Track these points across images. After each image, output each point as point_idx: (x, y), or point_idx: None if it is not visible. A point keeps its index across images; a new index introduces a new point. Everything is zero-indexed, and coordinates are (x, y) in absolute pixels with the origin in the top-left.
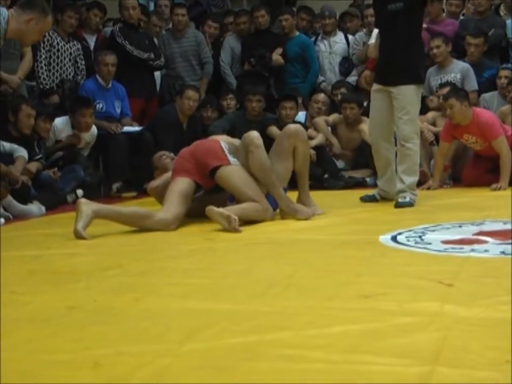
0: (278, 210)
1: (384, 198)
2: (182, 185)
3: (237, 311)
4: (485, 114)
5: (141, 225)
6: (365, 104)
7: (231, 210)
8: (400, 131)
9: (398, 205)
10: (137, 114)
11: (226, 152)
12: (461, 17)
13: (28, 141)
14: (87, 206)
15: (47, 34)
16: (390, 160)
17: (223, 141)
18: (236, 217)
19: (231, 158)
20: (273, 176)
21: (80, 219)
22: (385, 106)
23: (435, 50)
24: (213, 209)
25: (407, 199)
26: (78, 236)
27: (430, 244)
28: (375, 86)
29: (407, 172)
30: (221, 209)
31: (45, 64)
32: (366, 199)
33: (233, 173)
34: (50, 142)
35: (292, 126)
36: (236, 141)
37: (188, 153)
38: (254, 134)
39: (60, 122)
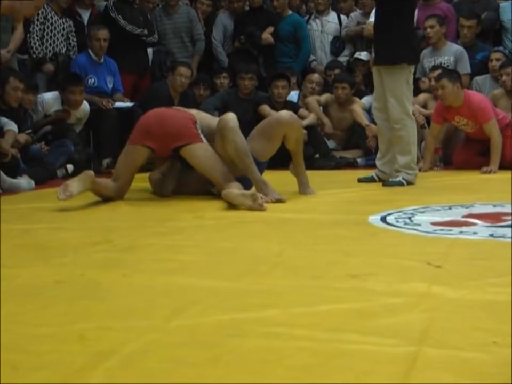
0: None
1: (382, 180)
2: (137, 157)
3: (224, 288)
4: (477, 97)
5: (102, 195)
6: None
7: (248, 191)
8: (389, 113)
9: (386, 184)
10: (129, 89)
11: (199, 130)
12: (454, 0)
13: (16, 114)
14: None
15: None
16: (391, 141)
17: (201, 119)
18: (261, 194)
19: (202, 136)
20: (249, 159)
21: (76, 181)
22: (383, 87)
23: (429, 30)
24: (231, 193)
25: (398, 179)
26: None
27: (419, 225)
28: (374, 67)
29: (401, 152)
30: (241, 190)
31: (37, 35)
32: (363, 180)
33: (202, 152)
34: (39, 115)
35: (285, 115)
36: (215, 123)
37: (159, 118)
38: (229, 117)
39: (50, 97)
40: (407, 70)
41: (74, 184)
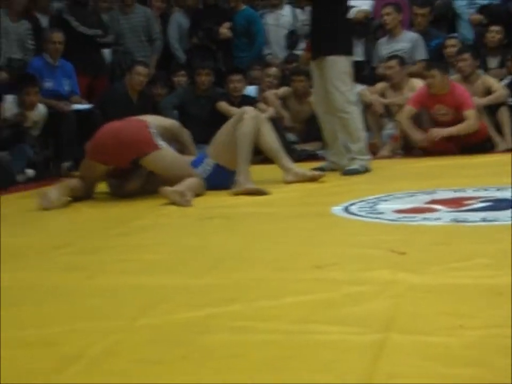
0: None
1: (334, 170)
2: (96, 172)
3: (190, 285)
4: (460, 87)
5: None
6: None
7: (180, 187)
8: (332, 103)
9: (346, 172)
10: (85, 91)
11: (154, 136)
12: None
13: None
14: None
15: None
16: (336, 132)
17: (152, 122)
18: (189, 192)
19: (158, 141)
20: (250, 151)
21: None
22: (321, 80)
23: (386, 17)
24: (165, 189)
25: (355, 166)
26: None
27: (382, 213)
28: (312, 61)
29: (351, 140)
30: (173, 187)
31: None
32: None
33: (161, 157)
34: None
35: (237, 111)
36: (168, 123)
37: (112, 133)
38: (251, 108)
39: (7, 100)
40: (344, 60)
41: (53, 192)
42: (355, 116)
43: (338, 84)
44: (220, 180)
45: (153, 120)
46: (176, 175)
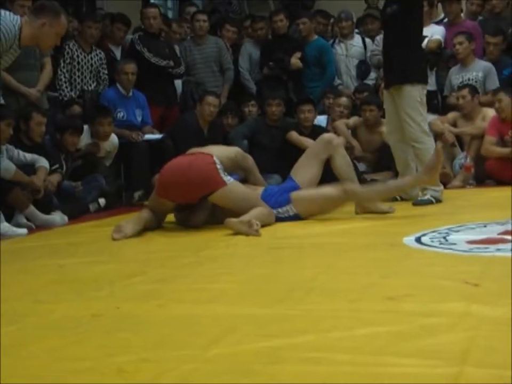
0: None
1: (404, 199)
2: (164, 207)
3: (261, 315)
4: None
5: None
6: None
7: (246, 217)
8: (406, 133)
9: (417, 203)
10: (158, 121)
11: (221, 172)
12: (480, 18)
13: (41, 149)
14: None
15: (67, 47)
16: (408, 161)
17: (218, 156)
18: (257, 222)
19: (225, 178)
20: (352, 171)
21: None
22: (394, 109)
23: (457, 47)
24: (231, 221)
25: (426, 197)
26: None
27: (454, 244)
28: (384, 90)
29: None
30: (239, 218)
31: (65, 77)
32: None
33: (229, 193)
34: None
35: (325, 135)
36: (232, 152)
37: (180, 171)
38: (332, 135)
39: None
40: (419, 89)
41: (129, 226)
42: (429, 146)
43: (412, 113)
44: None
45: (217, 153)
46: (245, 208)
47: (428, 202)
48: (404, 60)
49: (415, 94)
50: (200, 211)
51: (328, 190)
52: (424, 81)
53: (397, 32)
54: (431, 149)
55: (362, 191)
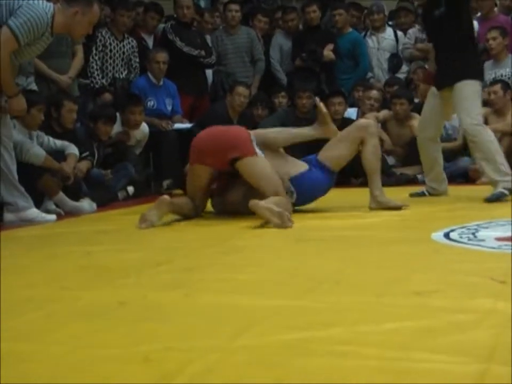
0: None
1: (432, 195)
2: (199, 177)
3: (287, 307)
4: None
5: (183, 214)
6: (416, 100)
7: (275, 207)
8: (462, 126)
9: (489, 199)
10: (188, 111)
11: (254, 143)
12: None
13: (72, 136)
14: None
15: (99, 35)
16: (436, 159)
17: (256, 135)
18: (288, 214)
19: (257, 149)
20: (379, 164)
21: (154, 209)
22: (437, 109)
23: (491, 42)
24: (258, 204)
25: (498, 190)
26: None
27: (483, 240)
28: (433, 90)
29: (488, 163)
30: (269, 205)
31: (97, 64)
32: (414, 195)
33: (255, 164)
34: None
35: (363, 120)
36: (271, 132)
37: (211, 135)
38: (370, 121)
39: None
40: (476, 85)
41: (152, 213)
42: (487, 139)
43: (469, 107)
44: (319, 177)
45: (258, 134)
46: (266, 186)
47: (502, 196)
48: (460, 61)
49: (472, 89)
50: (235, 190)
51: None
52: (481, 77)
53: (449, 33)
54: (487, 140)
55: None
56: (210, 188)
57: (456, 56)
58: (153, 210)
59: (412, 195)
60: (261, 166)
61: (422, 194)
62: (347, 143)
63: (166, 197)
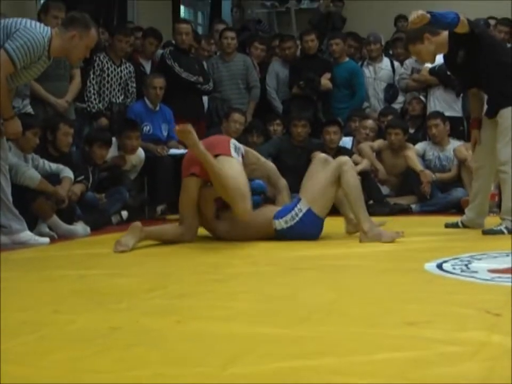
0: None
1: (466, 226)
2: (189, 189)
3: (280, 335)
4: None
5: (165, 240)
6: (411, 131)
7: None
8: (498, 155)
9: (486, 232)
10: None
11: (232, 148)
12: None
13: (67, 160)
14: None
15: (97, 59)
16: (483, 187)
17: (247, 151)
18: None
19: (233, 153)
20: (361, 200)
21: (129, 235)
22: (490, 135)
23: None
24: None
25: (499, 227)
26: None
27: (476, 272)
28: (485, 120)
29: (504, 196)
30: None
31: (94, 88)
32: (449, 226)
33: (228, 163)
34: None
35: (338, 159)
36: (269, 164)
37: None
38: (346, 158)
39: None
40: None
41: (127, 238)
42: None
43: (508, 135)
44: (309, 226)
45: (249, 151)
46: (230, 188)
47: (498, 233)
48: (499, 86)
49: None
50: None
51: (324, 172)
52: None
53: (479, 69)
54: None
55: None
56: (200, 206)
57: (494, 85)
58: (128, 235)
59: (446, 225)
60: (231, 165)
61: (455, 225)
62: (331, 188)
63: (137, 223)
